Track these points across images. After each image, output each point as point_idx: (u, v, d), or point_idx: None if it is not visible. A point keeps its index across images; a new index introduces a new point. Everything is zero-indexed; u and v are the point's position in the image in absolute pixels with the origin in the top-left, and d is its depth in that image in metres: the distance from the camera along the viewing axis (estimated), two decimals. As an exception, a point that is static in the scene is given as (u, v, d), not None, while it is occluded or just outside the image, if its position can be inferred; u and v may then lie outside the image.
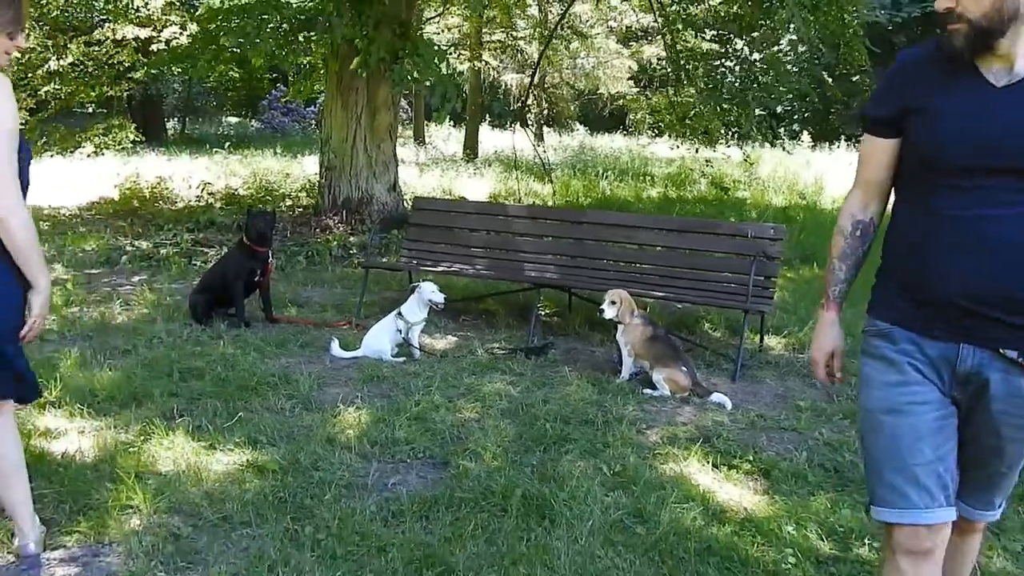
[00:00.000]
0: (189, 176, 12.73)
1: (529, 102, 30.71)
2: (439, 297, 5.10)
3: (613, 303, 4.69)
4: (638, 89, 24.65)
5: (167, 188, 12.10)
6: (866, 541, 2.96)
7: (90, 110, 20.39)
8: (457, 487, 3.25)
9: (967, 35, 1.73)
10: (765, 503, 3.28)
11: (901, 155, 1.93)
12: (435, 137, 26.08)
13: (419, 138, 23.77)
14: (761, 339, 5.55)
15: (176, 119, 33.07)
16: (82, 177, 13.25)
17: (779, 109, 24.47)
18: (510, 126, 29.56)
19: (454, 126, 28.14)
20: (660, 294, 5.45)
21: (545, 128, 30.03)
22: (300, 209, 10.55)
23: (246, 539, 2.84)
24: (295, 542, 2.80)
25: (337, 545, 2.78)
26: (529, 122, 30.28)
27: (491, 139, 24.13)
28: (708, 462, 3.63)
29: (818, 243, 8.86)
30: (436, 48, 8.94)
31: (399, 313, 5.10)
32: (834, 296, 2.08)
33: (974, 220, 1.74)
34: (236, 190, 12.15)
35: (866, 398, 1.97)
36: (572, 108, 31.80)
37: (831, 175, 15.66)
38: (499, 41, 20.37)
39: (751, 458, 3.67)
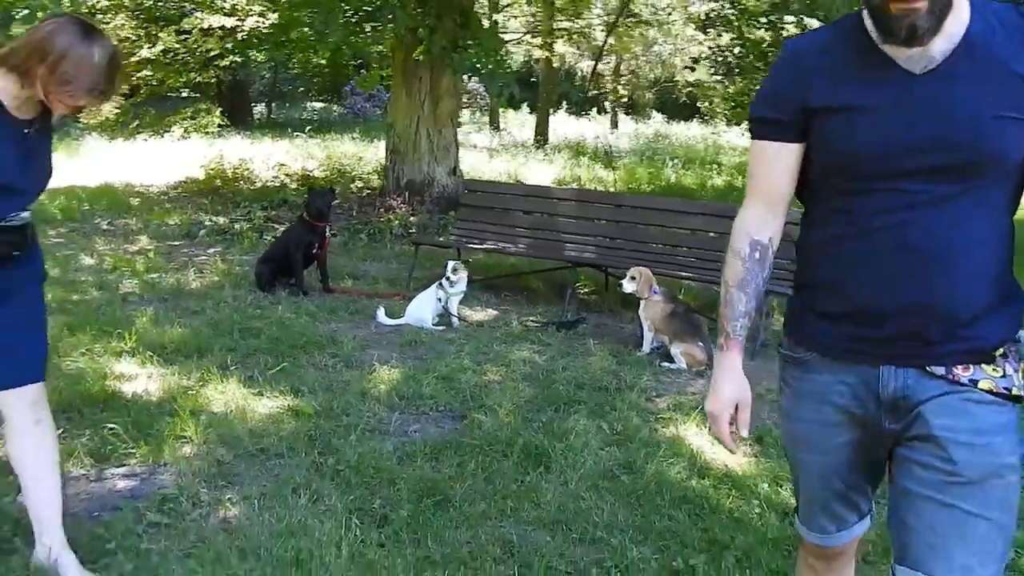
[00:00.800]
0: (268, 158, 13.43)
1: (605, 88, 30.88)
2: (456, 276, 5.45)
3: (633, 279, 4.99)
4: (717, 76, 24.56)
5: (248, 169, 12.80)
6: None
7: (184, 94, 21.49)
8: (468, 436, 3.63)
9: (931, 11, 1.42)
10: (749, 464, 3.56)
11: (805, 161, 1.64)
12: (511, 124, 26.49)
13: (495, 124, 24.18)
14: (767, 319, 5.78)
15: (263, 104, 34.31)
16: (172, 158, 14.09)
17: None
18: (584, 113, 29.77)
19: (531, 113, 28.47)
20: (689, 275, 5.72)
21: (621, 115, 30.18)
22: (368, 191, 11.08)
23: (277, 467, 3.28)
24: (319, 472, 3.23)
25: (354, 476, 3.19)
26: (606, 109, 30.54)
27: (566, 126, 24.38)
28: (705, 426, 3.92)
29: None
30: (497, 36, 9.30)
31: (440, 285, 5.50)
32: (735, 333, 1.70)
33: (896, 227, 1.51)
34: (311, 171, 12.79)
35: (782, 430, 1.84)
36: (648, 95, 31.79)
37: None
38: (565, 30, 20.51)
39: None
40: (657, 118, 29.97)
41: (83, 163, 13.54)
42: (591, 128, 14.13)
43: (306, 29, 10.58)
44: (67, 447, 3.26)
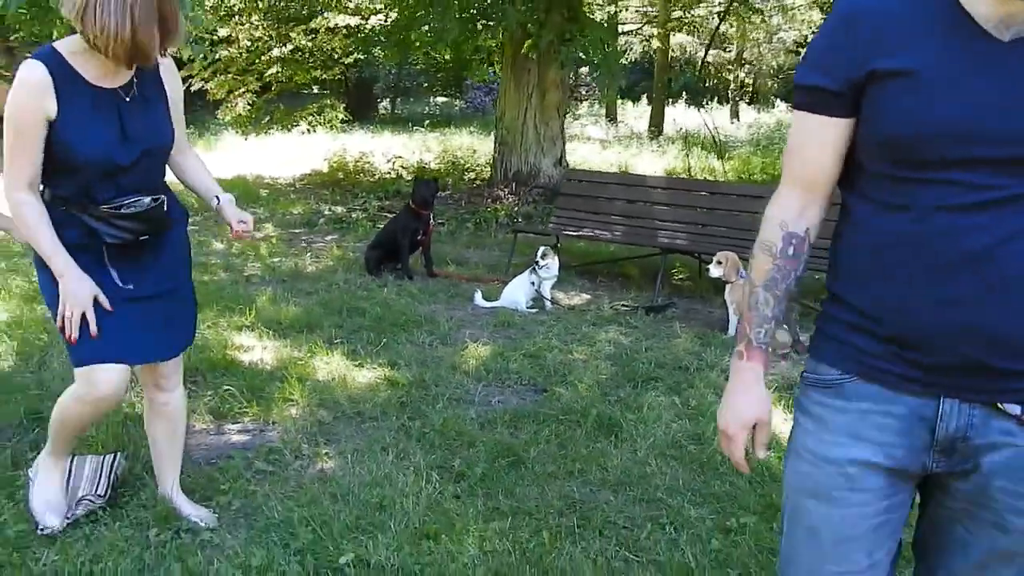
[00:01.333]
0: (388, 151, 14.05)
1: (726, 78, 30.34)
2: (544, 262, 5.70)
3: (719, 263, 5.11)
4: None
5: (368, 162, 13.45)
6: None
7: (315, 90, 22.53)
8: (546, 407, 3.88)
9: None
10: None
11: (854, 140, 1.36)
12: (628, 115, 26.46)
13: (611, 116, 24.24)
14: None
15: (388, 99, 35.46)
16: (299, 151, 14.93)
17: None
18: (704, 103, 29.38)
19: (649, 104, 28.32)
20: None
21: (744, 105, 29.63)
22: (479, 181, 11.46)
23: (370, 429, 3.63)
24: (406, 433, 3.56)
25: (437, 438, 3.50)
26: (728, 99, 30.04)
27: (685, 117, 24.14)
28: (780, 405, 4.03)
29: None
30: (606, 29, 9.47)
31: (532, 270, 5.77)
32: (758, 340, 1.45)
33: (963, 230, 1.22)
34: (426, 164, 13.31)
35: (790, 471, 1.48)
36: (771, 84, 31.04)
37: None
38: (680, 19, 20.35)
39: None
40: (781, 107, 29.23)
41: (220, 157, 14.54)
42: (709, 119, 13.97)
43: (425, 28, 11.03)
44: (191, 405, 3.71)
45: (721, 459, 3.36)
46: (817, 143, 1.38)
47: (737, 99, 28.97)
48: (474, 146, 16.13)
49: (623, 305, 5.84)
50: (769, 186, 8.24)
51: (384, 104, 34.18)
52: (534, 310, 5.70)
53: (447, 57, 17.56)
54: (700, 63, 15.28)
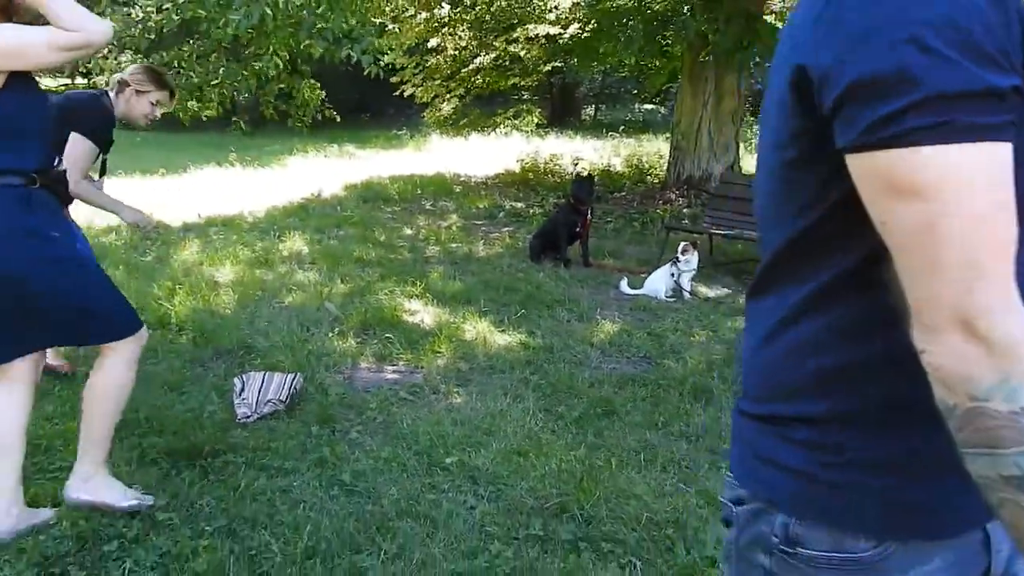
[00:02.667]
0: (577, 154, 14.82)
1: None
2: (684, 256, 6.16)
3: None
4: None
5: (557, 164, 14.29)
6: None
7: (521, 96, 23.74)
8: (652, 374, 4.44)
9: None
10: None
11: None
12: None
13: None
14: None
15: (592, 106, 36.33)
16: (496, 152, 16.05)
17: None
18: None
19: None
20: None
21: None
22: (655, 184, 11.95)
23: (498, 379, 4.33)
24: (525, 383, 4.24)
25: (550, 389, 4.16)
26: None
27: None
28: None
29: None
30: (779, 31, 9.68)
31: (673, 263, 6.27)
32: None
33: None
34: (612, 167, 13.96)
35: None
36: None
37: None
38: None
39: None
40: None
41: (425, 156, 15.96)
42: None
43: (620, 37, 11.65)
44: (359, 349, 4.62)
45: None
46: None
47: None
48: (662, 152, 16.56)
49: (759, 300, 6.20)
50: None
51: (589, 110, 35.09)
52: (672, 299, 6.20)
53: (628, 64, 17.93)
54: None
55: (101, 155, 3.73)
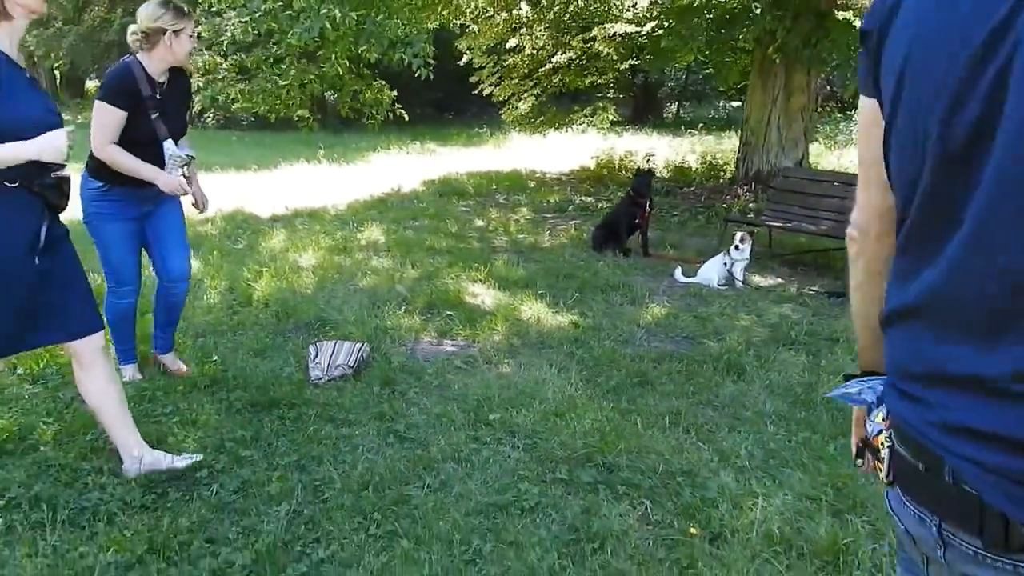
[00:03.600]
0: (652, 151, 15.05)
1: None
2: (739, 246, 6.41)
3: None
4: None
5: (632, 160, 14.55)
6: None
7: (607, 93, 23.95)
8: (691, 351, 4.76)
9: None
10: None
11: None
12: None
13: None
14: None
15: (675, 103, 36.23)
16: (573, 149, 16.40)
17: None
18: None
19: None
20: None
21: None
22: (726, 179, 12.11)
23: (547, 354, 4.72)
24: (571, 358, 4.62)
25: (592, 362, 4.53)
26: None
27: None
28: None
29: None
30: (852, 29, 9.76)
31: (727, 252, 6.53)
32: None
33: None
34: (684, 163, 14.16)
35: None
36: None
37: None
38: None
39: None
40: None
41: (504, 153, 16.46)
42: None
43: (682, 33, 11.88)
44: (422, 325, 5.09)
45: (820, 400, 4.06)
46: None
47: None
48: (737, 148, 16.61)
49: (810, 289, 6.43)
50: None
51: (672, 108, 35.02)
52: (725, 287, 6.47)
53: (701, 60, 17.94)
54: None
55: (143, 116, 3.59)
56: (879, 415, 1.21)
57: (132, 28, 3.63)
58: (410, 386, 4.11)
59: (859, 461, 1.33)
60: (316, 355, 4.26)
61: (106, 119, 3.54)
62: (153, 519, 2.80)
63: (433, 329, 5.09)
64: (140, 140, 3.60)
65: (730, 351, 4.71)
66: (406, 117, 9.56)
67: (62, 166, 2.69)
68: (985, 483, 0.94)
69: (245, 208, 9.35)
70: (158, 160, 3.66)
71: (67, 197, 2.77)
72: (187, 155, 3.77)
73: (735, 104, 36.23)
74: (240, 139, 21.00)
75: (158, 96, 3.65)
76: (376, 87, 8.41)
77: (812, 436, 3.63)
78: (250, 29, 6.82)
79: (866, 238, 1.25)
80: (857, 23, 12.31)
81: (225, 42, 7.28)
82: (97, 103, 3.55)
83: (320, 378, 4.10)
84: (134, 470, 3.07)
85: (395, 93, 9.44)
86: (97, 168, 3.64)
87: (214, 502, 2.94)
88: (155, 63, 3.63)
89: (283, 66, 7.95)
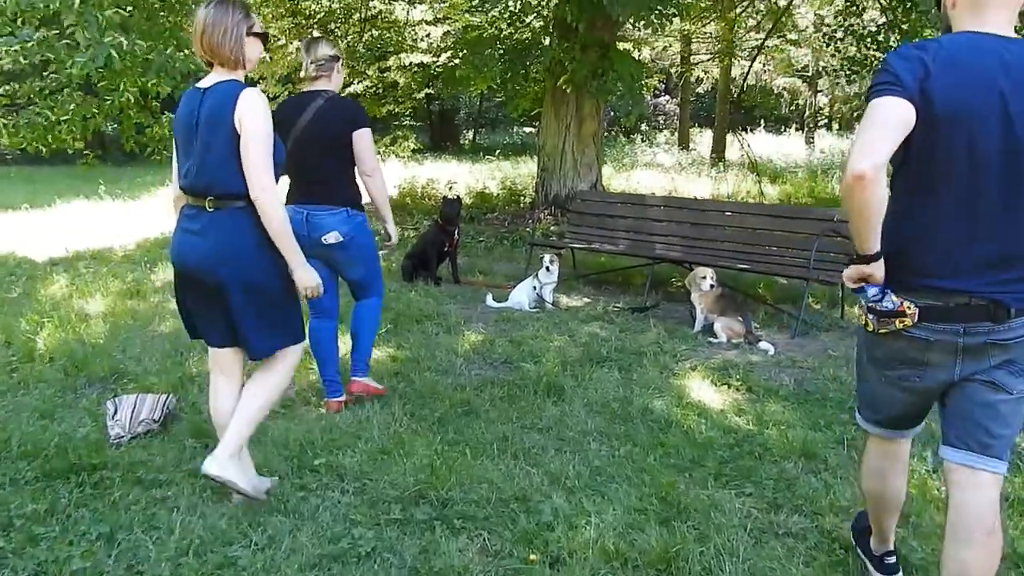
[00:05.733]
0: (454, 179, 15.24)
1: (800, 105, 30.66)
2: (547, 265, 6.63)
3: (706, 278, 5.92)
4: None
5: (434, 188, 14.66)
6: (768, 430, 4.09)
7: (407, 121, 23.95)
8: (511, 376, 4.82)
9: None
10: (725, 401, 4.47)
11: None
12: (700, 143, 27.05)
13: (684, 143, 24.92)
14: (841, 310, 6.45)
15: (471, 130, 36.96)
16: (372, 179, 16.21)
17: None
18: (782, 131, 29.61)
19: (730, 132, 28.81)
20: (744, 266, 6.55)
21: (823, 132, 29.94)
22: (526, 204, 12.46)
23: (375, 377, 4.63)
24: (394, 392, 4.54)
25: (415, 396, 4.48)
26: (807, 126, 30.37)
27: (764, 144, 24.17)
28: (708, 379, 4.84)
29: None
30: (634, 62, 10.39)
31: (535, 275, 6.71)
32: None
33: None
34: (485, 189, 14.43)
35: None
36: (844, 109, 31.11)
37: None
38: (717, 47, 20.88)
39: (743, 379, 4.82)
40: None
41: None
42: (746, 143, 14.64)
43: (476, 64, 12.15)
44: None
45: (637, 414, 4.23)
46: None
47: (811, 125, 29.19)
48: (534, 173, 17.16)
49: (615, 306, 6.72)
50: (744, 204, 8.96)
51: (468, 134, 35.69)
52: (536, 310, 6.63)
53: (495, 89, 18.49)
54: (739, 90, 15.81)
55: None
56: (891, 297, 2.16)
57: None
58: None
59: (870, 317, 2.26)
60: (115, 412, 3.91)
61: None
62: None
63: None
64: None
65: (548, 373, 4.82)
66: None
67: None
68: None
69: (17, 252, 8.52)
70: None
71: None
72: None
73: (527, 130, 37.56)
74: (6, 174, 19.17)
75: None
76: (164, 122, 7.94)
77: (633, 449, 3.77)
78: (21, 60, 6.23)
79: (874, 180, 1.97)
80: (636, 55, 13.03)
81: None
82: None
83: (122, 436, 3.77)
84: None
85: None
86: None
87: (7, 590, 2.62)
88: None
89: (59, 98, 7.34)
